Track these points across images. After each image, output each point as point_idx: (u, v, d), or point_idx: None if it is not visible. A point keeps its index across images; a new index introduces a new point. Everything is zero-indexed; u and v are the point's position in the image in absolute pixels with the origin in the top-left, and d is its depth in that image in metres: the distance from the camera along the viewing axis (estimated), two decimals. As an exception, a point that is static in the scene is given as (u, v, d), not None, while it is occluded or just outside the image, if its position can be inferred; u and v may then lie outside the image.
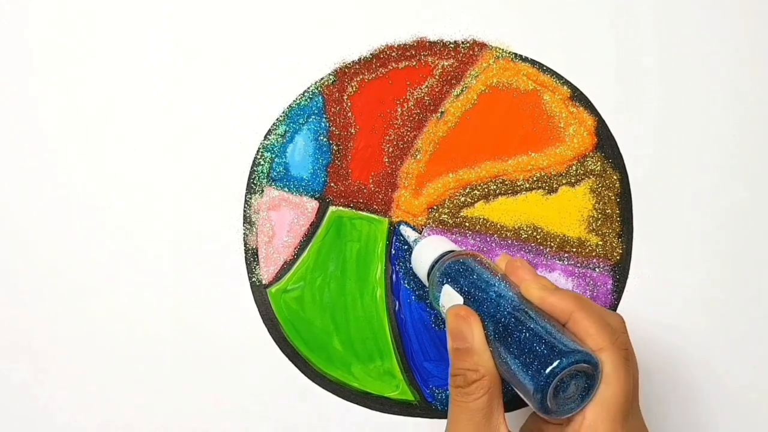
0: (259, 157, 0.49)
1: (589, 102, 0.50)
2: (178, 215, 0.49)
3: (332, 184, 0.49)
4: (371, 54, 0.50)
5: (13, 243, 0.49)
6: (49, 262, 0.49)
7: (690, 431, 0.49)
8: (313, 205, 0.49)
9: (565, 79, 0.50)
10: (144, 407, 0.48)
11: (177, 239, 0.49)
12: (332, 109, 0.49)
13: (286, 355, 0.48)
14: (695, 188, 0.50)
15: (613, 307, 0.49)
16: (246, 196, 0.49)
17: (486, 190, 0.49)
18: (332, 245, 0.49)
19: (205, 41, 0.50)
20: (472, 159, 0.49)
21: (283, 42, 0.50)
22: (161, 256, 0.48)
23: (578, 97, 0.50)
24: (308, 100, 0.49)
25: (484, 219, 0.49)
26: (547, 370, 0.31)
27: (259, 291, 0.48)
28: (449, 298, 0.39)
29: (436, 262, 0.42)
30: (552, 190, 0.49)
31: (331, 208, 0.49)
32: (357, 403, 0.48)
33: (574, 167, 0.49)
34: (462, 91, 0.50)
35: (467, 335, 0.35)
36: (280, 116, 0.49)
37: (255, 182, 0.49)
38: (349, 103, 0.49)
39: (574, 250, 0.49)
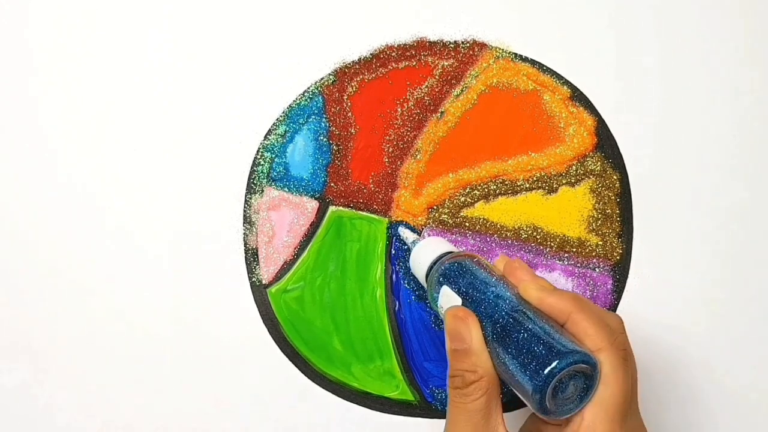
0: (259, 157, 0.49)
1: (589, 102, 0.50)
2: (178, 215, 0.49)
3: (332, 184, 0.49)
4: (371, 54, 0.50)
5: (13, 243, 0.49)
6: (49, 262, 0.49)
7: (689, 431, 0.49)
8: (313, 205, 0.49)
9: (565, 79, 0.50)
10: (144, 407, 0.48)
11: (177, 239, 0.49)
12: (332, 109, 0.49)
13: (286, 355, 0.48)
14: (695, 188, 0.50)
15: (613, 307, 0.49)
16: (246, 196, 0.49)
17: (486, 190, 0.49)
18: (332, 245, 0.49)
19: (205, 41, 0.50)
20: (472, 159, 0.49)
21: (283, 42, 0.50)
22: (161, 256, 0.48)
23: (578, 97, 0.50)
24: (308, 100, 0.49)
25: (484, 219, 0.49)
26: (546, 371, 0.31)
27: (259, 291, 0.48)
28: (447, 299, 0.39)
29: (434, 263, 0.42)
30: (552, 190, 0.49)
31: (331, 208, 0.49)
32: (357, 403, 0.48)
33: (574, 167, 0.49)
34: (462, 91, 0.50)
35: (465, 336, 0.35)
36: (280, 116, 0.49)
37: (255, 182, 0.49)
38: (349, 103, 0.49)
39: (574, 250, 0.49)
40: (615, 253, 0.49)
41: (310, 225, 0.49)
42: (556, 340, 0.33)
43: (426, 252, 0.43)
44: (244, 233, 0.49)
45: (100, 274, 0.48)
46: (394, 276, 0.49)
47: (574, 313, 0.34)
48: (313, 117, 0.49)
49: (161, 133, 0.49)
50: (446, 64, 0.50)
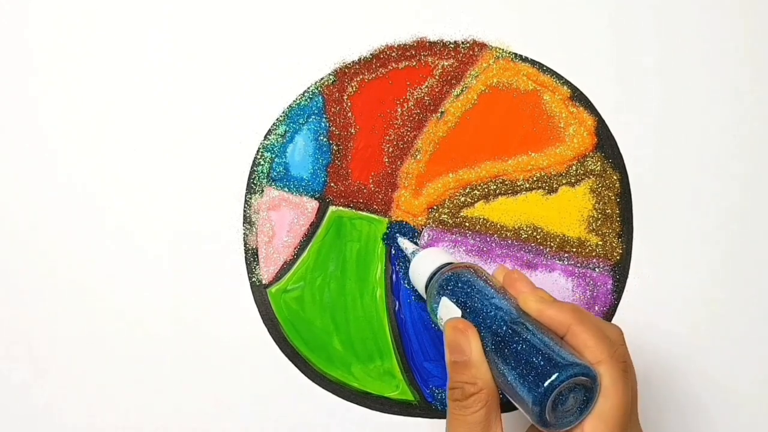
0: (259, 157, 0.49)
1: (589, 102, 0.50)
2: (178, 215, 0.49)
3: (332, 184, 0.49)
4: (371, 54, 0.50)
5: (13, 243, 0.49)
6: (49, 262, 0.49)
7: None
8: (313, 205, 0.49)
9: (565, 79, 0.50)
10: (144, 407, 0.48)
11: (177, 239, 0.49)
12: (332, 109, 0.49)
13: (286, 355, 0.48)
14: (695, 188, 0.50)
15: (613, 307, 0.49)
16: (246, 196, 0.49)
17: (486, 190, 0.49)
18: (332, 245, 0.49)
19: (205, 41, 0.50)
20: (472, 159, 0.49)
21: (283, 42, 0.50)
22: (161, 256, 0.48)
23: (578, 97, 0.50)
24: (308, 100, 0.49)
25: (484, 219, 0.49)
26: (546, 383, 0.31)
27: (259, 291, 0.48)
28: (447, 310, 0.39)
29: (433, 274, 0.42)
30: (552, 190, 0.49)
31: (331, 208, 0.49)
32: (357, 403, 0.48)
33: (574, 167, 0.49)
34: (462, 91, 0.50)
35: (465, 348, 0.35)
36: (280, 116, 0.49)
37: (255, 182, 0.49)
38: (349, 103, 0.49)
39: (574, 250, 0.49)
40: (615, 253, 0.49)
41: (310, 225, 0.49)
42: (556, 352, 0.33)
43: (425, 263, 0.43)
44: (244, 233, 0.49)
45: (100, 274, 0.48)
46: (394, 276, 0.49)
47: (573, 325, 0.34)
48: (313, 117, 0.49)
49: (161, 133, 0.49)
50: (446, 64, 0.50)
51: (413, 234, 0.49)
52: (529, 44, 0.50)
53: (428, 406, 0.48)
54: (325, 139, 0.49)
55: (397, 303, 0.48)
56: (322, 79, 0.49)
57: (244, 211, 0.49)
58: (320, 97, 0.49)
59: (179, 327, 0.48)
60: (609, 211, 0.49)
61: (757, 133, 0.50)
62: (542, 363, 0.32)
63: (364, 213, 0.49)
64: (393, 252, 0.49)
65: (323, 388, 0.48)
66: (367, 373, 0.48)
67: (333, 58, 0.50)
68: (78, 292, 0.48)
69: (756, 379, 0.49)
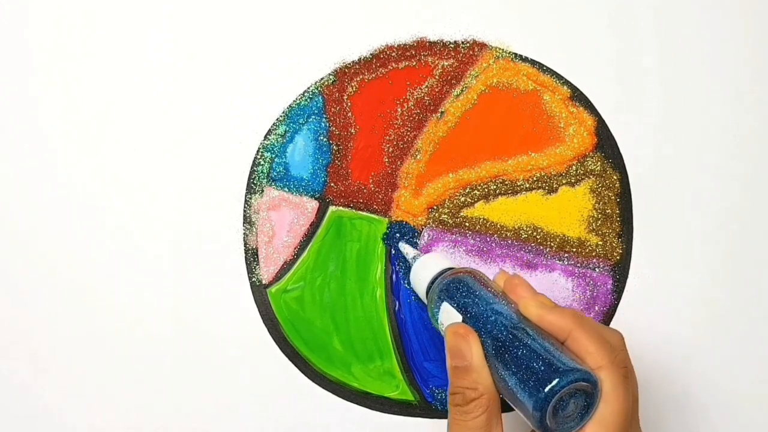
0: (259, 157, 0.49)
1: (589, 102, 0.50)
2: (178, 215, 0.49)
3: (332, 184, 0.49)
4: (371, 54, 0.50)
5: (13, 243, 0.49)
6: (49, 262, 0.49)
7: None
8: (313, 205, 0.49)
9: (565, 79, 0.50)
10: (144, 407, 0.48)
11: (177, 239, 0.49)
12: (332, 109, 0.49)
13: (286, 355, 0.48)
14: (695, 188, 0.50)
15: (613, 307, 0.49)
16: (246, 196, 0.49)
17: (486, 190, 0.49)
18: (332, 245, 0.49)
19: (205, 41, 0.50)
20: (472, 159, 0.49)
21: (283, 42, 0.50)
22: (161, 256, 0.48)
23: (578, 97, 0.50)
24: (308, 100, 0.49)
25: (484, 219, 0.49)
26: (546, 389, 0.31)
27: (259, 291, 0.48)
28: (448, 315, 0.39)
29: (434, 279, 0.42)
30: (552, 190, 0.49)
31: (331, 208, 0.49)
32: (357, 403, 0.48)
33: (574, 167, 0.49)
34: (462, 91, 0.50)
35: (466, 353, 0.36)
36: (280, 116, 0.49)
37: (255, 182, 0.49)
38: (349, 103, 0.49)
39: (574, 250, 0.49)
40: (615, 253, 0.49)
41: (310, 225, 0.49)
42: (557, 357, 0.33)
43: (426, 268, 0.43)
44: (244, 233, 0.49)
45: (100, 274, 0.48)
46: (394, 276, 0.49)
47: (574, 330, 0.34)
48: (313, 117, 0.49)
49: (161, 133, 0.49)
50: (446, 64, 0.50)
51: (413, 234, 0.49)
52: (529, 44, 0.50)
53: (428, 406, 0.48)
54: (325, 139, 0.49)
55: (397, 303, 0.48)
56: (322, 79, 0.49)
57: (244, 211, 0.49)
58: (320, 97, 0.49)
59: (179, 327, 0.48)
60: (609, 211, 0.49)
61: (757, 133, 0.50)
62: (543, 368, 0.32)
63: (364, 213, 0.49)
64: (393, 252, 0.49)
65: (323, 388, 0.48)
66: (367, 373, 0.48)
67: (333, 58, 0.50)
68: (78, 292, 0.48)
69: (756, 379, 0.49)
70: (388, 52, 0.50)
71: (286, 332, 0.48)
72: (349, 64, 0.50)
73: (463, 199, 0.49)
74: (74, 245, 0.49)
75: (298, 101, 0.49)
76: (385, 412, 0.48)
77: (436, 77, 0.50)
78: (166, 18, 0.50)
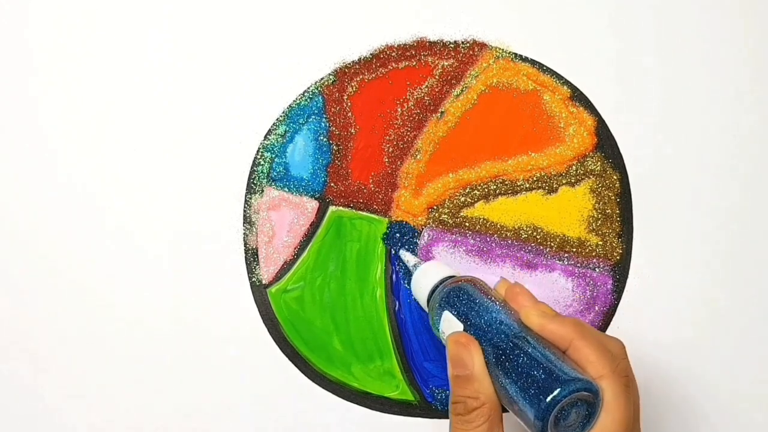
0: (259, 157, 0.49)
1: (589, 102, 0.50)
2: (178, 215, 0.49)
3: (332, 184, 0.49)
4: (371, 54, 0.50)
5: (13, 243, 0.49)
6: (49, 262, 0.48)
7: None
8: (313, 205, 0.49)
9: (565, 79, 0.50)
10: (144, 407, 0.48)
11: (177, 239, 0.49)
12: (332, 109, 0.49)
13: (286, 355, 0.48)
14: (695, 188, 0.50)
15: (613, 307, 0.49)
16: (246, 196, 0.49)
17: (486, 190, 0.49)
18: (332, 245, 0.49)
19: (205, 41, 0.50)
20: (472, 159, 0.49)
21: (283, 42, 0.50)
22: (161, 256, 0.48)
23: (578, 97, 0.50)
24: (308, 100, 0.49)
25: (484, 219, 0.49)
26: (548, 399, 0.31)
27: (259, 291, 0.48)
28: (449, 324, 0.39)
29: (435, 287, 0.42)
30: (552, 190, 0.49)
31: (331, 208, 0.49)
32: (357, 403, 0.48)
33: (574, 167, 0.49)
34: (462, 91, 0.50)
35: (467, 362, 0.36)
36: (280, 116, 0.49)
37: (255, 182, 0.49)
38: (349, 103, 0.49)
39: (574, 250, 0.49)
40: (615, 253, 0.49)
41: (310, 225, 0.49)
42: (558, 367, 0.33)
43: (427, 276, 0.43)
44: (244, 233, 0.49)
45: (100, 274, 0.48)
46: (394, 276, 0.49)
47: (575, 339, 0.34)
48: (313, 117, 0.49)
49: (161, 133, 0.49)
50: (446, 64, 0.50)
51: (413, 234, 0.49)
52: (529, 44, 0.50)
53: (428, 406, 0.48)
54: (325, 139, 0.49)
55: (397, 303, 0.48)
56: (322, 79, 0.49)
57: (244, 211, 0.49)
58: (320, 97, 0.49)
59: (179, 327, 0.48)
60: (609, 211, 0.49)
61: (757, 133, 0.50)
62: (544, 378, 0.32)
63: (364, 213, 0.49)
64: (393, 252, 0.49)
65: (323, 388, 0.48)
66: (367, 373, 0.48)
67: (333, 58, 0.50)
68: (78, 292, 0.48)
69: (756, 379, 0.49)
70: (388, 52, 0.50)
71: (286, 332, 0.48)
72: (349, 64, 0.50)
73: (463, 199, 0.49)
74: (74, 245, 0.49)
75: (298, 101, 0.49)
76: (385, 412, 0.48)
77: (436, 77, 0.50)
78: (166, 18, 0.50)
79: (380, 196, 0.49)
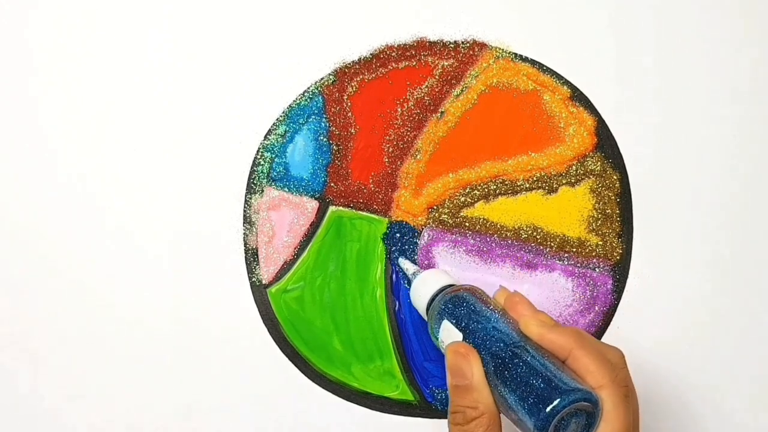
0: (259, 157, 0.49)
1: (589, 102, 0.50)
2: (178, 215, 0.49)
3: (332, 184, 0.49)
4: (371, 54, 0.50)
5: (13, 243, 0.49)
6: (49, 262, 0.48)
7: None
8: (313, 205, 0.49)
9: (565, 79, 0.50)
10: (144, 407, 0.48)
11: (177, 239, 0.49)
12: (332, 109, 0.49)
13: (286, 355, 0.48)
14: (695, 188, 0.50)
15: (613, 307, 0.49)
16: (246, 196, 0.49)
17: (486, 190, 0.49)
18: (332, 245, 0.49)
19: (205, 41, 0.50)
20: (472, 159, 0.49)
21: (283, 42, 0.50)
22: (161, 256, 0.48)
23: (578, 97, 0.50)
24: (308, 100, 0.49)
25: (484, 219, 0.49)
26: (548, 409, 0.32)
27: (259, 291, 0.48)
28: (448, 333, 0.39)
29: (434, 296, 0.42)
30: (552, 190, 0.49)
31: (331, 208, 0.49)
32: (357, 403, 0.48)
33: (574, 167, 0.49)
34: (462, 91, 0.50)
35: (467, 372, 0.36)
36: (280, 116, 0.49)
37: (255, 182, 0.49)
38: (349, 103, 0.49)
39: (574, 250, 0.49)
40: (615, 253, 0.49)
41: (310, 225, 0.49)
42: (558, 377, 0.33)
43: (426, 285, 0.43)
44: (244, 233, 0.49)
45: (100, 274, 0.48)
46: (394, 276, 0.49)
47: (575, 349, 0.34)
48: (313, 117, 0.49)
49: (161, 133, 0.49)
50: (446, 64, 0.50)
51: (413, 234, 0.49)
52: (529, 44, 0.50)
53: (428, 406, 0.48)
54: (325, 139, 0.49)
55: (397, 303, 0.48)
56: (322, 79, 0.49)
57: (244, 211, 0.49)
58: (320, 97, 0.49)
59: (179, 327, 0.48)
60: (609, 211, 0.49)
61: (757, 133, 0.50)
62: (544, 388, 0.32)
63: (364, 213, 0.49)
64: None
65: (323, 388, 0.48)
66: (367, 373, 0.48)
67: (333, 58, 0.50)
68: (78, 292, 0.48)
69: (756, 379, 0.49)
70: (388, 52, 0.50)
71: (286, 332, 0.48)
72: (349, 64, 0.50)
73: (463, 199, 0.49)
74: (74, 245, 0.49)
75: (298, 101, 0.49)
76: (385, 412, 0.48)
77: (436, 77, 0.50)
78: (166, 18, 0.50)
79: (380, 196, 0.49)
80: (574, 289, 0.49)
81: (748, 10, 0.51)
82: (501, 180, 0.49)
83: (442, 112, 0.50)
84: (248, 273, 0.49)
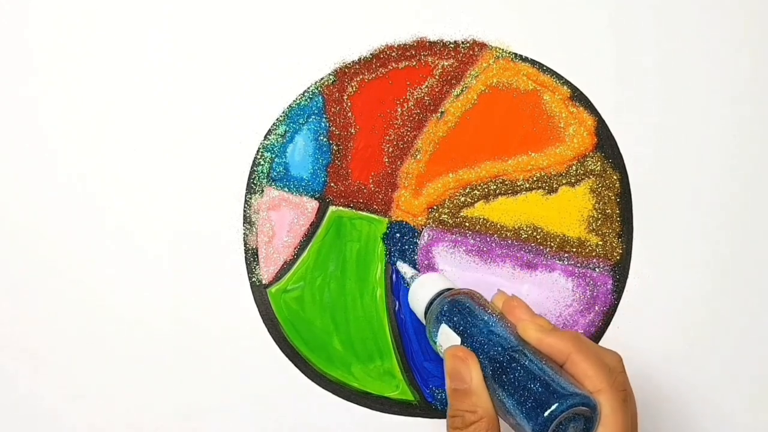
0: (259, 157, 0.49)
1: (589, 102, 0.50)
2: (178, 215, 0.49)
3: (332, 184, 0.49)
4: (371, 54, 0.50)
5: (13, 243, 0.49)
6: (49, 262, 0.48)
7: None
8: (313, 205, 0.49)
9: (565, 79, 0.50)
10: (144, 407, 0.48)
11: (177, 239, 0.49)
12: (332, 109, 0.49)
13: (286, 355, 0.48)
14: (695, 188, 0.50)
15: (613, 307, 0.49)
16: (246, 196, 0.49)
17: (486, 190, 0.49)
18: (332, 245, 0.49)
19: (205, 41, 0.50)
20: (472, 159, 0.49)
21: (283, 42, 0.50)
22: (161, 256, 0.48)
23: (578, 97, 0.50)
24: (308, 100, 0.49)
25: (484, 219, 0.49)
26: (546, 414, 0.32)
27: (259, 291, 0.48)
28: (447, 338, 0.39)
29: (432, 300, 0.42)
30: (552, 190, 0.49)
31: (331, 208, 0.49)
32: (357, 403, 0.48)
33: (574, 167, 0.49)
34: (462, 91, 0.50)
35: (465, 376, 0.36)
36: (280, 116, 0.49)
37: (255, 182, 0.49)
38: (349, 103, 0.49)
39: (574, 250, 0.49)
40: (615, 253, 0.49)
41: (310, 225, 0.49)
42: (556, 381, 0.33)
43: (424, 289, 0.43)
44: (244, 233, 0.49)
45: (100, 274, 0.48)
46: (394, 276, 0.49)
47: (573, 353, 0.34)
48: (313, 117, 0.49)
49: (161, 133, 0.49)
50: (446, 64, 0.50)
51: (413, 234, 0.49)
52: (529, 44, 0.50)
53: (428, 406, 0.48)
54: (325, 139, 0.49)
55: (397, 303, 0.48)
56: (322, 79, 0.49)
57: (244, 211, 0.49)
58: (320, 97, 0.49)
59: (179, 327, 0.48)
60: (609, 211, 0.49)
61: (757, 133, 0.50)
62: (542, 392, 0.32)
63: (364, 213, 0.49)
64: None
65: (323, 388, 0.48)
66: (367, 373, 0.48)
67: (333, 58, 0.50)
68: (78, 292, 0.48)
69: (756, 379, 0.49)
70: (388, 52, 0.50)
71: (286, 332, 0.48)
72: (349, 64, 0.50)
73: (463, 199, 0.49)
74: (74, 245, 0.49)
75: (298, 101, 0.49)
76: (385, 412, 0.48)
77: (436, 77, 0.50)
78: (166, 18, 0.50)
79: (380, 196, 0.49)
80: (574, 289, 0.49)
81: (748, 10, 0.51)
82: (501, 180, 0.49)
83: (442, 112, 0.50)
84: (248, 273, 0.49)
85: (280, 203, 0.49)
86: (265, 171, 0.49)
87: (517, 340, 0.36)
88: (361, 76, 0.49)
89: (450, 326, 0.39)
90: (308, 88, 0.49)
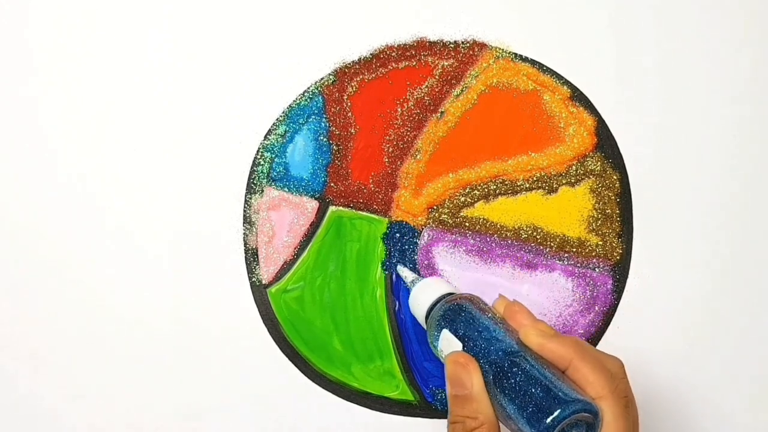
0: (259, 157, 0.49)
1: (589, 102, 0.50)
2: (178, 215, 0.49)
3: (332, 184, 0.49)
4: (371, 54, 0.50)
5: (13, 243, 0.49)
6: (49, 262, 0.48)
7: None
8: (313, 205, 0.49)
9: (565, 79, 0.50)
10: (144, 407, 0.48)
11: (177, 239, 0.49)
12: (332, 109, 0.49)
13: (286, 355, 0.48)
14: (695, 188, 0.50)
15: (613, 307, 0.49)
16: (246, 196, 0.49)
17: (486, 190, 0.49)
18: (332, 245, 0.49)
19: (205, 41, 0.50)
20: (472, 159, 0.49)
21: (283, 42, 0.50)
22: (161, 256, 0.48)
23: (578, 97, 0.50)
24: (308, 100, 0.49)
25: (484, 219, 0.49)
26: (548, 420, 0.31)
27: (259, 291, 0.48)
28: (448, 343, 0.39)
29: (433, 305, 0.42)
30: (552, 190, 0.49)
31: (331, 208, 0.49)
32: (357, 403, 0.48)
33: (574, 167, 0.49)
34: (462, 91, 0.50)
35: (466, 382, 0.35)
36: (280, 116, 0.49)
37: (255, 182, 0.49)
38: (349, 103, 0.49)
39: (574, 250, 0.49)
40: (615, 253, 0.49)
41: (310, 225, 0.49)
42: (558, 387, 0.33)
43: (425, 293, 0.43)
44: (244, 233, 0.49)
45: (100, 274, 0.48)
46: (394, 276, 0.49)
47: (575, 359, 0.34)
48: (313, 117, 0.49)
49: (161, 133, 0.49)
50: (446, 64, 0.50)
51: (413, 234, 0.49)
52: (529, 44, 0.50)
53: (428, 406, 0.48)
54: (325, 139, 0.49)
55: (397, 303, 0.48)
56: (322, 79, 0.49)
57: (244, 211, 0.49)
58: (320, 97, 0.49)
59: (179, 327, 0.48)
60: (609, 211, 0.49)
61: (757, 133, 0.50)
62: (544, 398, 0.32)
63: (364, 213, 0.49)
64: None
65: (323, 388, 0.48)
66: (367, 373, 0.48)
67: (333, 58, 0.50)
68: (78, 292, 0.48)
69: (756, 379, 0.49)
70: (388, 52, 0.50)
71: (286, 332, 0.48)
72: (349, 64, 0.50)
73: (463, 199, 0.49)
74: (74, 245, 0.49)
75: (298, 101, 0.49)
76: (385, 412, 0.48)
77: (436, 77, 0.50)
78: (166, 18, 0.50)
79: (380, 196, 0.49)
80: (574, 289, 0.49)
81: (748, 10, 0.51)
82: (501, 180, 0.49)
83: (442, 112, 0.50)
84: (248, 273, 0.49)
85: (280, 203, 0.49)
86: (265, 171, 0.49)
87: (518, 345, 0.36)
88: (361, 76, 0.49)
89: (451, 331, 0.39)
90: (308, 88, 0.49)
